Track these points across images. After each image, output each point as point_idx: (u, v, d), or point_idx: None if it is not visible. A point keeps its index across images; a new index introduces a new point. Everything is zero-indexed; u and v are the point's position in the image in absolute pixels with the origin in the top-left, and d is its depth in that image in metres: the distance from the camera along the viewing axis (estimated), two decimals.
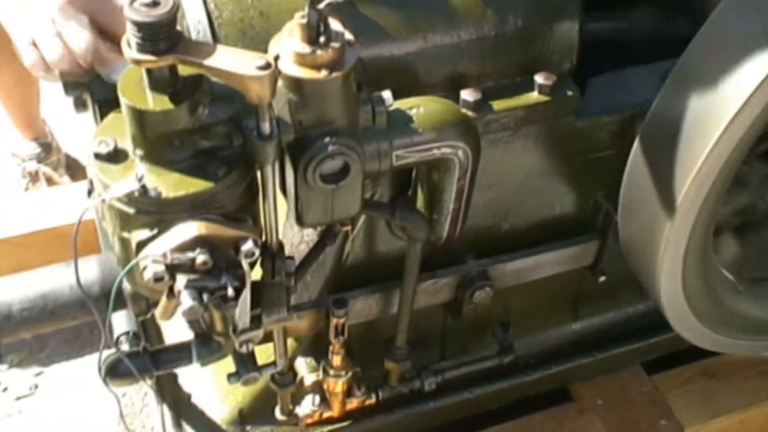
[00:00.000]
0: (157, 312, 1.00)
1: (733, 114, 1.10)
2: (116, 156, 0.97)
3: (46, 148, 2.32)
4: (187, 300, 0.93)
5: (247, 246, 0.97)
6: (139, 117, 0.93)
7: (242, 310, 1.00)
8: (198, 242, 0.95)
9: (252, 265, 0.99)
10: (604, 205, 1.46)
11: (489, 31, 1.22)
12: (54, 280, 1.11)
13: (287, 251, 1.13)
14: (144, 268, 0.95)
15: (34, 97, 2.25)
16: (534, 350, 1.67)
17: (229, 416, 1.54)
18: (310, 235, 1.30)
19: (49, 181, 2.29)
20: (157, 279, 0.94)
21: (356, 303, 1.37)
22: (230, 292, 0.96)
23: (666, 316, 1.40)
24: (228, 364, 1.33)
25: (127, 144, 0.98)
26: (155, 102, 0.93)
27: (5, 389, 1.95)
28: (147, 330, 1.56)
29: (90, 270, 1.11)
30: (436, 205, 1.21)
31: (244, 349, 1.10)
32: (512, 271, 1.46)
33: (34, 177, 2.30)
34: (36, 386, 1.96)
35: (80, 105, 1.18)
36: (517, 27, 1.23)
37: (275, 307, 1.08)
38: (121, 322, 1.43)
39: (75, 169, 2.39)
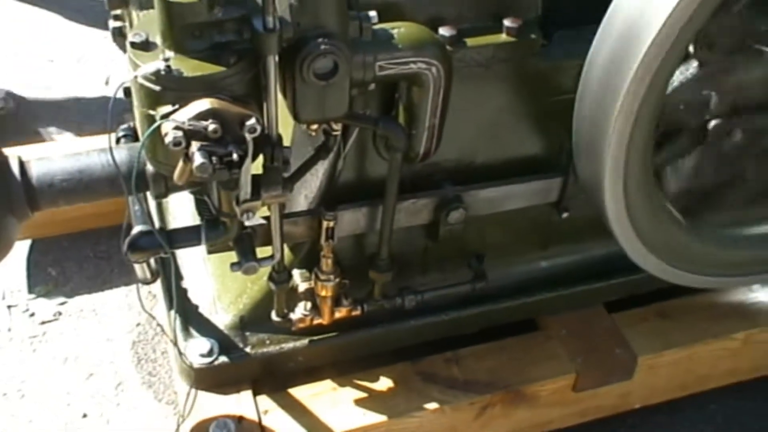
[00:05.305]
0: (175, 175, 1.21)
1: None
2: (147, 45, 1.20)
3: None
4: (198, 158, 1.14)
5: (251, 122, 1.18)
6: (168, 8, 1.15)
7: (245, 179, 1.21)
8: (210, 114, 1.16)
9: (255, 143, 1.21)
10: (567, 145, 1.66)
11: None
12: (90, 159, 1.33)
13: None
14: (165, 134, 1.16)
15: None
16: (506, 282, 1.86)
17: (231, 323, 1.74)
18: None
19: None
20: (176, 143, 1.16)
21: (345, 215, 1.58)
22: (235, 157, 1.17)
23: (619, 242, 1.59)
24: (233, 274, 1.53)
25: (157, 39, 1.20)
26: None
27: (32, 314, 2.16)
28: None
29: (121, 154, 1.33)
30: (414, 121, 1.43)
31: (245, 218, 1.30)
32: (484, 199, 1.66)
33: None
34: (59, 313, 2.17)
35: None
36: None
37: (272, 185, 1.29)
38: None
39: None
